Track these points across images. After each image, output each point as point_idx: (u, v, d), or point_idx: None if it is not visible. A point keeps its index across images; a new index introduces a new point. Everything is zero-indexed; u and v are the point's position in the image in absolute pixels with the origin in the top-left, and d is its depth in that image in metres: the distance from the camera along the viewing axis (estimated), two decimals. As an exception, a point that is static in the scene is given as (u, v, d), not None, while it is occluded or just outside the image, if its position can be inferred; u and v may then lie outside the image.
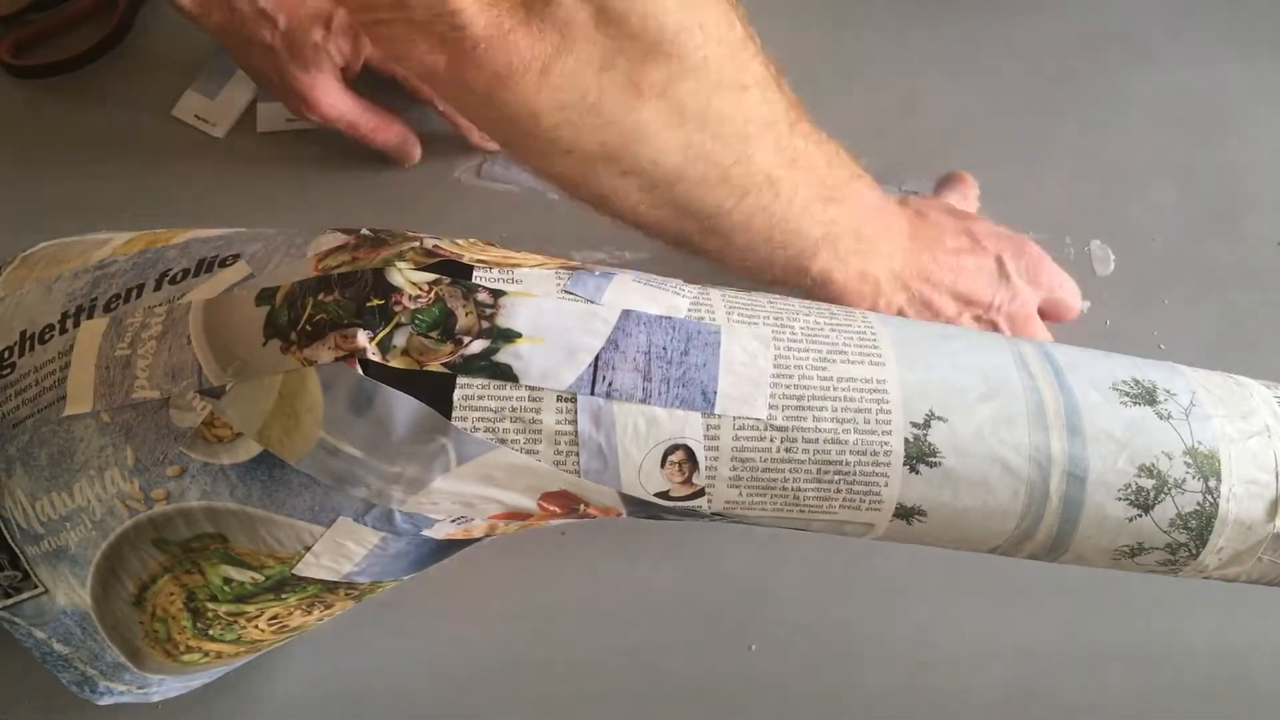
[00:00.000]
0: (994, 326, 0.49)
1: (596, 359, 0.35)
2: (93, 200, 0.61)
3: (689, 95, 0.36)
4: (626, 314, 0.36)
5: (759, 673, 0.50)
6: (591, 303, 0.36)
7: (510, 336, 0.35)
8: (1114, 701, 0.50)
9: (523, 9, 0.32)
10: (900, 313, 0.46)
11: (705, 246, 0.42)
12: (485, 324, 0.35)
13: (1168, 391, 0.39)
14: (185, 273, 0.39)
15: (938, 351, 0.38)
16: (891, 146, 0.61)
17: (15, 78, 0.64)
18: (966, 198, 0.55)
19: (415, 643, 0.49)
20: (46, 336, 0.39)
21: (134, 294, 0.39)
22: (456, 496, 0.36)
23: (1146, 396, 0.39)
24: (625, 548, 0.51)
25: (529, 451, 0.35)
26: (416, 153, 0.58)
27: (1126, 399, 0.38)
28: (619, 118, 0.35)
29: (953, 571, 0.51)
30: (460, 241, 0.39)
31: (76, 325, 0.39)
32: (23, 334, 0.40)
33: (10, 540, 0.39)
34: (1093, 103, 0.63)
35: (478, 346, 0.35)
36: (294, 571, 0.37)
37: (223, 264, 0.39)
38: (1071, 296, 0.52)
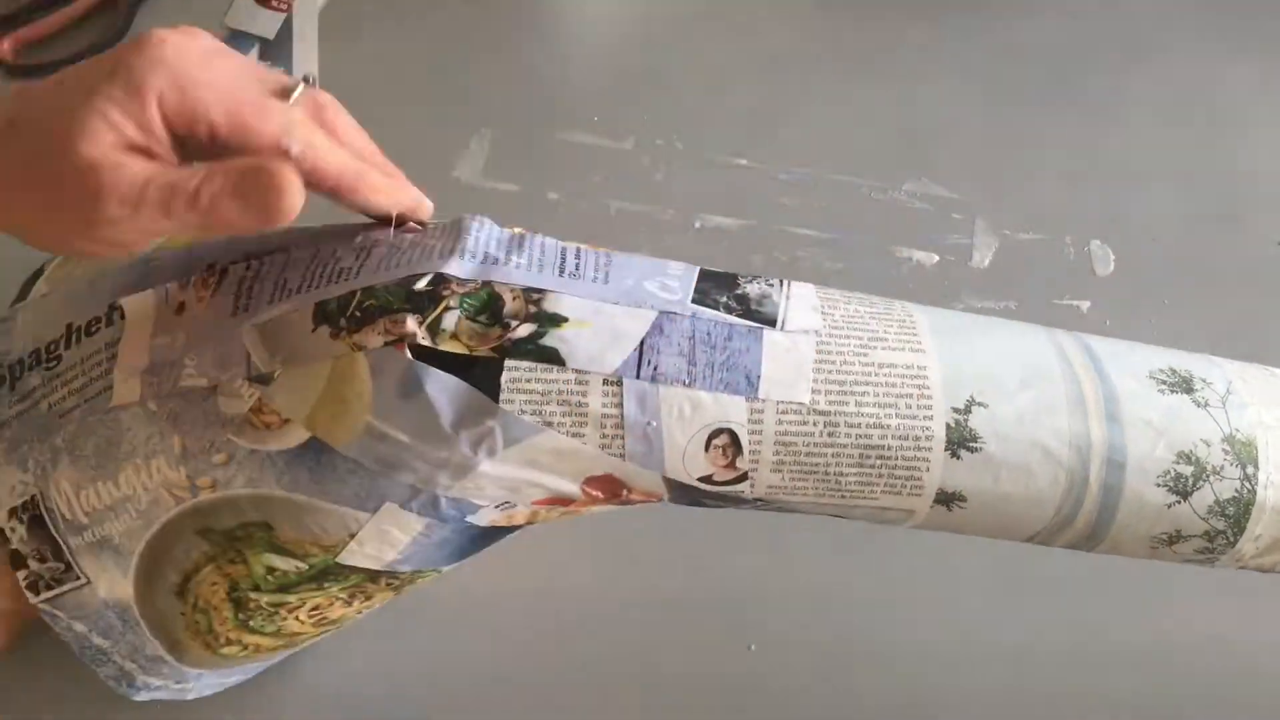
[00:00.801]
0: None
1: (642, 343, 0.36)
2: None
3: None
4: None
5: (759, 673, 0.50)
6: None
7: (557, 321, 0.35)
8: (1114, 701, 0.50)
9: None
10: None
11: None
12: (532, 308, 0.36)
13: (1204, 380, 0.39)
14: (232, 264, 0.39)
15: (977, 339, 0.39)
16: (891, 146, 0.62)
17: (15, 78, 0.65)
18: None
19: (417, 643, 0.49)
20: (94, 328, 0.40)
21: (180, 287, 0.40)
22: (502, 481, 0.36)
23: (1184, 384, 0.39)
24: (626, 548, 0.51)
25: (575, 435, 0.35)
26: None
27: (1164, 387, 0.39)
28: None
29: (952, 571, 0.51)
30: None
31: (123, 317, 0.39)
32: (69, 326, 0.40)
33: (54, 531, 0.39)
34: (1093, 103, 0.64)
35: (525, 330, 0.35)
36: (338, 560, 0.38)
37: (269, 254, 0.39)
38: None
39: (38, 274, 0.44)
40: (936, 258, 0.60)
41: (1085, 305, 0.58)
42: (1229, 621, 0.51)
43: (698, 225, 0.60)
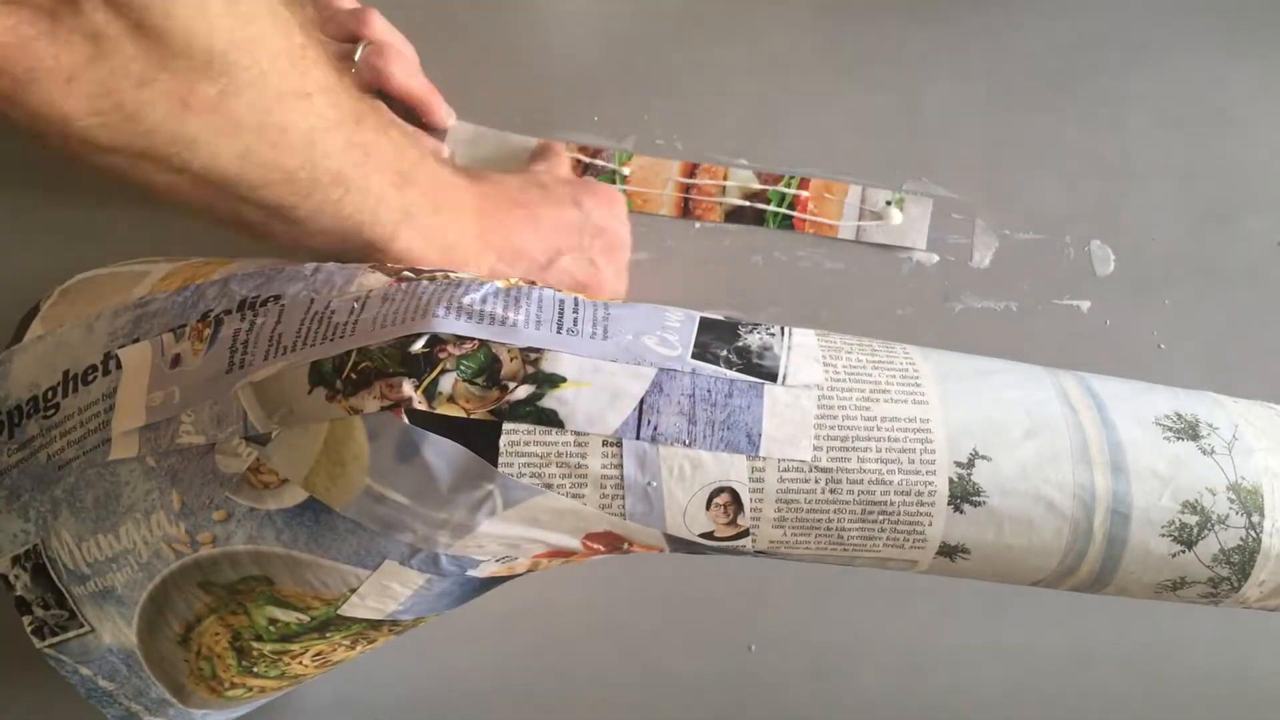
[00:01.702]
0: (593, 263, 0.51)
1: (641, 403, 0.35)
2: (95, 205, 0.60)
3: (245, 109, 0.34)
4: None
5: (759, 673, 0.50)
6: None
7: (555, 381, 0.35)
8: (1112, 701, 0.50)
9: (47, 18, 0.30)
10: (493, 270, 0.47)
11: (273, 232, 0.41)
12: (530, 369, 0.35)
13: (1210, 425, 0.39)
14: (226, 313, 0.39)
15: (980, 387, 0.38)
16: (891, 146, 0.61)
17: None
18: (553, 166, 0.57)
19: (420, 641, 0.49)
20: (90, 377, 0.39)
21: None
22: (502, 539, 0.36)
23: (1189, 431, 0.38)
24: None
25: (575, 496, 0.35)
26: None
27: (1170, 434, 0.38)
28: (164, 127, 0.33)
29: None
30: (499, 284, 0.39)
31: (119, 367, 0.39)
32: (65, 373, 0.40)
33: (57, 580, 0.39)
34: (1093, 103, 0.63)
35: (523, 392, 0.35)
36: (339, 612, 0.38)
37: (264, 304, 0.39)
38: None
39: (33, 313, 0.44)
40: (936, 258, 0.59)
41: (1085, 305, 0.58)
42: (1228, 621, 0.51)
43: (697, 226, 0.60)
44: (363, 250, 0.42)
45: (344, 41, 0.54)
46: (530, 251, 0.49)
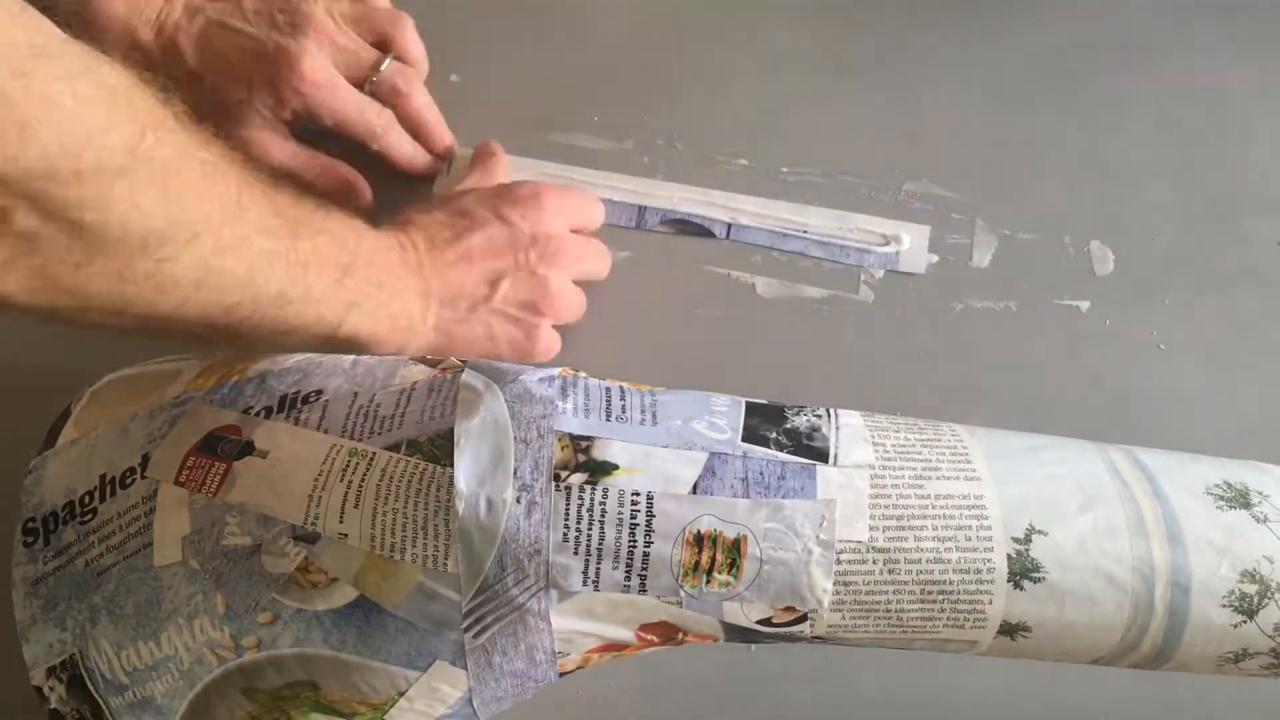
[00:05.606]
0: (535, 275, 0.50)
1: (694, 488, 0.35)
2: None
3: (182, 271, 0.35)
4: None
5: (759, 673, 0.49)
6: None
7: (608, 469, 0.35)
8: (1114, 701, 0.49)
9: None
10: (439, 319, 0.48)
11: (228, 343, 0.41)
12: (581, 457, 0.35)
13: (1260, 493, 0.39)
14: (268, 411, 0.39)
15: (1029, 463, 0.38)
16: (892, 146, 0.61)
17: None
18: (489, 171, 0.56)
19: None
20: (128, 480, 0.39)
21: (216, 434, 0.39)
22: (557, 634, 0.35)
23: (1240, 499, 0.38)
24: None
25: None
26: (365, 195, 0.56)
27: (1222, 503, 0.38)
28: (101, 297, 0.34)
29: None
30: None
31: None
32: (102, 478, 0.40)
33: (94, 691, 0.38)
34: (1093, 103, 0.64)
35: (576, 481, 0.34)
36: (385, 717, 0.37)
37: (305, 400, 0.38)
38: (588, 209, 0.55)
39: (64, 416, 0.43)
40: (936, 258, 0.59)
41: (1085, 305, 0.58)
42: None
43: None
44: (319, 346, 0.42)
45: (372, 43, 0.54)
46: (469, 288, 0.48)
